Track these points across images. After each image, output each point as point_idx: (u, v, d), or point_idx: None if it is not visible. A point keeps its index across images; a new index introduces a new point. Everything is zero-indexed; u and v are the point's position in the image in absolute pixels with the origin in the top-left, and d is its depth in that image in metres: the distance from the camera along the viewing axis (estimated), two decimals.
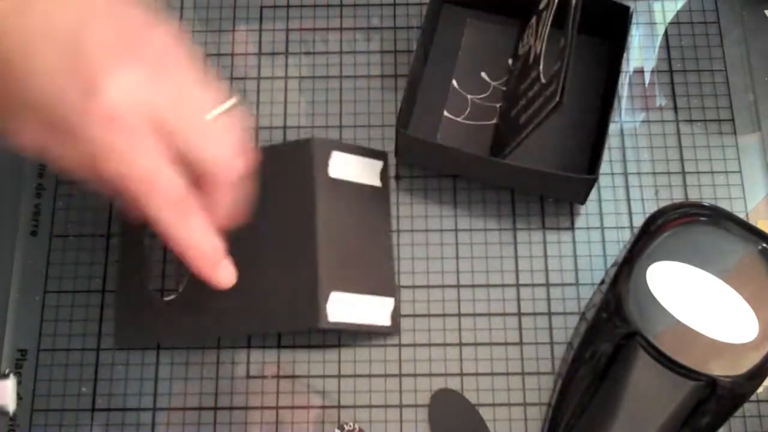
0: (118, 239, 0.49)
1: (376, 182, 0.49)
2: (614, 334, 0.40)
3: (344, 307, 0.45)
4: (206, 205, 0.41)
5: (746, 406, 0.44)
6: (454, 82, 0.51)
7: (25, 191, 0.50)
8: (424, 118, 0.50)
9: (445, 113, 0.51)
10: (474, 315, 0.47)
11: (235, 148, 0.40)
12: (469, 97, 0.51)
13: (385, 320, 0.46)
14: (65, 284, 0.48)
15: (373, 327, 0.46)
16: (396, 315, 0.47)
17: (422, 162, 0.50)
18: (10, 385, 0.40)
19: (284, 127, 0.51)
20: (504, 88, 0.51)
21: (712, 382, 0.38)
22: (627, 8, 0.49)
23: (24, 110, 0.37)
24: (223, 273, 0.42)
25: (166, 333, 0.47)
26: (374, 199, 0.48)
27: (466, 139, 0.50)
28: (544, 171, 0.46)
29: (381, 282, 0.47)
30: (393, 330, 0.47)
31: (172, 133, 0.38)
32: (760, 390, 0.42)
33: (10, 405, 0.40)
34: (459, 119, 0.51)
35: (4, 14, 0.36)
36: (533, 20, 0.49)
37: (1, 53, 0.36)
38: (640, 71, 0.52)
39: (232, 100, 0.40)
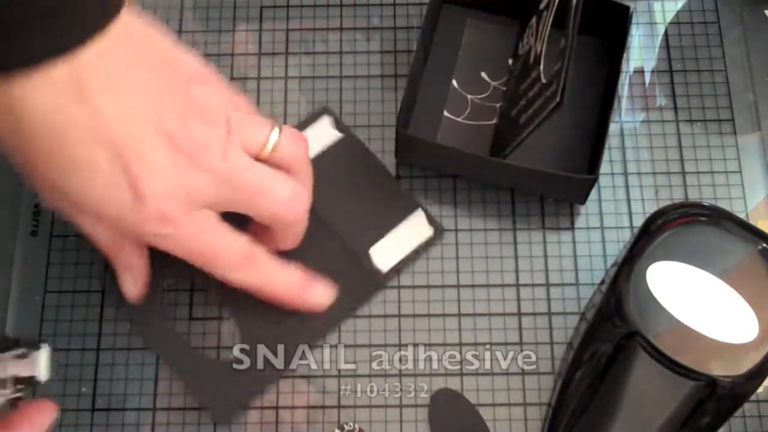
0: (135, 329, 0.47)
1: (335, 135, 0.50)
2: (614, 334, 0.40)
3: (387, 252, 0.47)
4: (275, 238, 0.45)
5: (746, 406, 0.44)
6: (454, 82, 0.51)
7: (25, 191, 0.50)
8: (424, 118, 0.50)
9: (445, 113, 0.51)
10: (474, 315, 0.47)
11: (290, 193, 0.42)
12: (469, 97, 0.51)
13: (427, 233, 0.48)
14: (65, 284, 0.48)
15: (422, 245, 0.48)
16: (432, 220, 0.48)
17: (422, 162, 0.50)
18: (42, 354, 0.40)
19: None
20: (504, 88, 0.51)
21: (712, 382, 0.38)
22: (627, 8, 0.49)
23: (64, 199, 0.41)
24: (315, 295, 0.46)
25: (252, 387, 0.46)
26: (347, 148, 0.50)
27: (466, 139, 0.50)
28: (543, 171, 0.46)
29: (399, 207, 0.49)
30: (439, 235, 0.48)
31: (222, 205, 0.42)
32: (760, 390, 0.42)
33: (43, 374, 0.40)
34: (459, 119, 0.51)
35: (53, 110, 0.37)
36: (533, 20, 0.49)
37: (47, 150, 0.38)
38: (640, 71, 0.52)
39: (275, 130, 0.42)
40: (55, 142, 0.37)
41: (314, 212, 0.45)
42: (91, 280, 0.48)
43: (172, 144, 0.39)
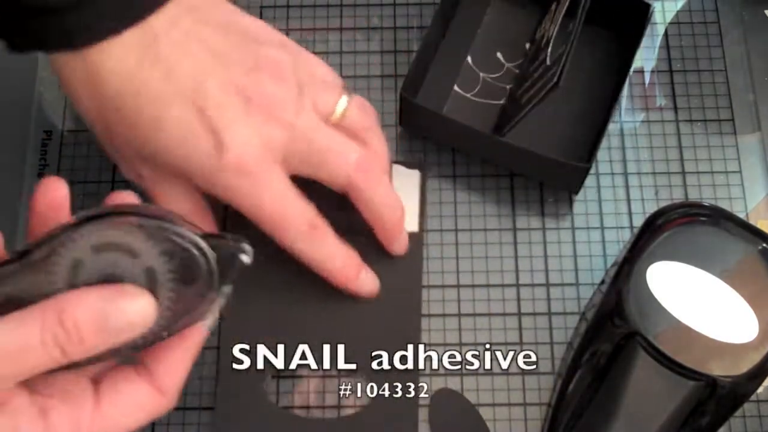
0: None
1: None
2: (614, 334, 0.40)
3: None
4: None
5: (746, 406, 0.44)
6: (469, 59, 0.52)
7: (25, 191, 0.50)
8: (434, 90, 0.51)
9: (455, 88, 0.51)
10: (474, 315, 0.47)
11: (359, 156, 0.43)
12: (481, 74, 0.51)
13: (415, 176, 0.49)
14: None
15: (421, 188, 0.49)
16: (409, 164, 0.49)
17: (423, 132, 0.50)
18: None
19: None
20: (517, 71, 0.51)
21: (712, 382, 0.38)
22: (648, 5, 0.49)
23: (145, 160, 0.42)
24: (366, 281, 0.46)
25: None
26: None
27: (473, 115, 0.50)
28: (538, 153, 0.46)
29: None
30: (425, 175, 0.49)
31: (294, 165, 0.42)
32: (760, 390, 0.42)
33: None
34: (468, 95, 0.51)
35: (129, 74, 0.39)
36: (554, 6, 0.49)
37: (129, 112, 0.40)
38: (640, 71, 0.52)
39: (344, 97, 0.44)
40: (133, 104, 0.40)
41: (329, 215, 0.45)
42: None
43: (245, 99, 0.41)
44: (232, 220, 0.47)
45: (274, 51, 0.42)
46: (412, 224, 0.48)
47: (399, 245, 0.47)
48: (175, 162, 0.41)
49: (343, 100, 0.44)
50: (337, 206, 0.45)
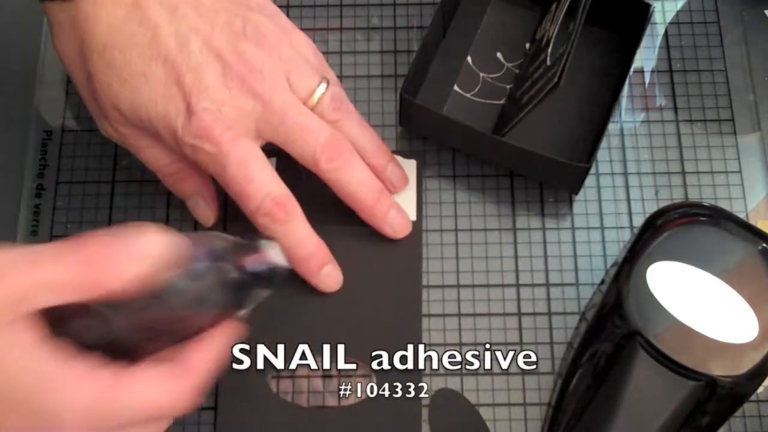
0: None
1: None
2: (614, 334, 0.40)
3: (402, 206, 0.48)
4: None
5: (746, 406, 0.44)
6: (469, 59, 0.52)
7: (25, 191, 0.50)
8: (434, 90, 0.51)
9: (455, 87, 0.51)
10: (474, 315, 0.47)
11: (329, 135, 0.43)
12: (481, 74, 0.51)
13: (411, 166, 0.49)
14: None
15: (418, 178, 0.49)
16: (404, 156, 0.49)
17: (423, 132, 0.50)
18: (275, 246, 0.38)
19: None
20: (517, 71, 0.51)
21: (712, 382, 0.38)
22: (648, 6, 0.49)
23: (118, 117, 0.43)
24: (328, 276, 0.46)
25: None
26: None
27: (472, 115, 0.50)
28: (538, 153, 0.46)
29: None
30: (421, 164, 0.49)
31: (265, 136, 0.43)
32: (760, 390, 0.42)
33: (282, 261, 0.37)
34: (468, 95, 0.51)
35: (117, 27, 0.41)
36: (553, 6, 0.49)
37: (113, 65, 0.41)
38: (640, 71, 0.52)
39: (323, 84, 0.44)
40: (119, 58, 0.41)
41: (317, 212, 0.45)
42: None
43: (224, 65, 0.41)
44: (232, 209, 0.47)
45: (264, 20, 0.43)
46: (410, 214, 0.48)
47: (392, 228, 0.47)
48: (149, 119, 0.42)
49: (321, 87, 0.44)
50: (338, 207, 0.45)
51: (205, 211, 0.47)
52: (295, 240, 0.44)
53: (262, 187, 0.42)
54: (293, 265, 0.45)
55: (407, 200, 0.49)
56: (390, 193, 0.47)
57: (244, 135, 0.42)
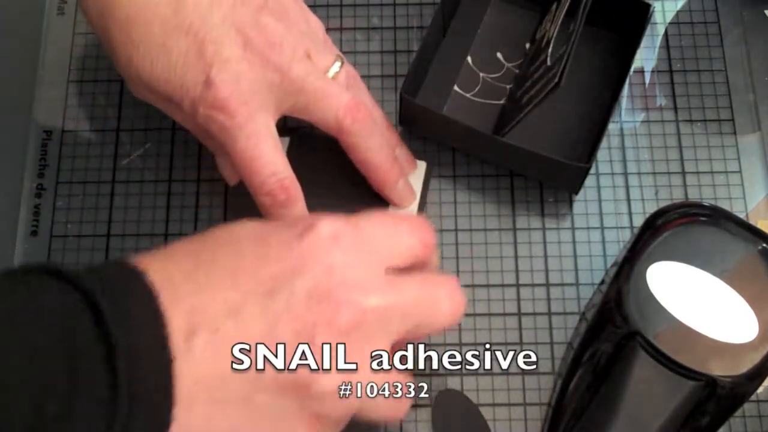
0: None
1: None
2: (614, 334, 0.40)
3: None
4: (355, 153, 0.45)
5: (746, 406, 0.44)
6: (469, 59, 0.52)
7: (25, 191, 0.50)
8: (434, 90, 0.51)
9: (455, 88, 0.51)
10: (474, 315, 0.47)
11: (350, 97, 0.44)
12: (481, 75, 0.51)
13: (421, 166, 0.49)
14: None
15: (426, 177, 0.50)
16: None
17: (423, 132, 0.50)
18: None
19: (285, 127, 0.51)
20: (517, 71, 0.51)
21: (712, 382, 0.38)
22: (648, 6, 0.49)
23: (140, 86, 0.43)
24: None
25: None
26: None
27: (473, 115, 0.50)
28: (538, 153, 0.46)
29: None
30: (431, 165, 0.49)
31: (285, 107, 0.43)
32: (760, 390, 0.42)
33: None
34: (468, 95, 0.51)
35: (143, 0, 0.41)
36: (554, 6, 0.49)
37: (136, 38, 0.42)
38: (640, 71, 0.52)
39: (338, 62, 0.45)
40: (141, 28, 0.41)
41: (324, 197, 0.45)
42: None
43: (246, 40, 0.42)
44: (232, 208, 0.48)
45: None
46: (413, 213, 0.48)
47: (399, 197, 0.47)
48: (168, 89, 0.42)
49: (336, 65, 0.45)
50: (346, 191, 0.46)
51: (231, 171, 0.48)
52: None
53: (268, 165, 0.43)
54: None
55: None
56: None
57: (261, 109, 0.42)
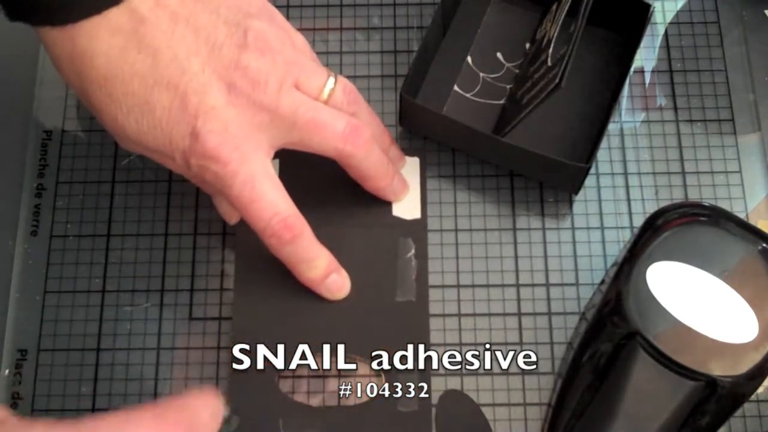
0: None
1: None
2: (614, 334, 0.40)
3: (405, 203, 0.49)
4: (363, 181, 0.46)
5: (746, 406, 0.44)
6: (469, 59, 0.52)
7: (25, 191, 0.50)
8: (434, 90, 0.51)
9: (455, 88, 0.51)
10: (474, 315, 0.47)
11: (347, 123, 0.43)
12: (481, 74, 0.51)
13: (415, 163, 0.50)
14: (65, 284, 0.48)
15: (422, 175, 0.50)
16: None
17: (423, 131, 0.50)
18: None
19: None
20: (517, 71, 0.51)
21: (712, 382, 0.38)
22: (648, 6, 0.49)
23: (128, 143, 0.43)
24: (329, 285, 0.46)
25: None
26: None
27: (473, 115, 0.50)
28: (538, 153, 0.46)
29: None
30: (423, 161, 0.50)
31: (280, 142, 0.43)
32: (760, 390, 0.42)
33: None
34: (468, 95, 0.51)
35: (116, 56, 0.40)
36: (554, 6, 0.49)
37: (116, 96, 0.40)
38: (640, 71, 0.52)
39: (331, 78, 0.44)
40: (119, 87, 0.40)
41: (324, 208, 0.46)
42: (91, 280, 0.48)
43: (229, 84, 0.41)
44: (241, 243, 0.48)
45: (265, 26, 0.42)
46: (414, 211, 0.48)
47: (394, 193, 0.48)
48: (155, 145, 0.41)
49: (330, 82, 0.44)
50: (342, 197, 0.45)
51: (229, 209, 0.47)
52: (301, 258, 0.44)
53: (269, 206, 0.42)
54: (299, 279, 0.45)
55: (412, 198, 0.49)
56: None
57: (255, 150, 0.42)
